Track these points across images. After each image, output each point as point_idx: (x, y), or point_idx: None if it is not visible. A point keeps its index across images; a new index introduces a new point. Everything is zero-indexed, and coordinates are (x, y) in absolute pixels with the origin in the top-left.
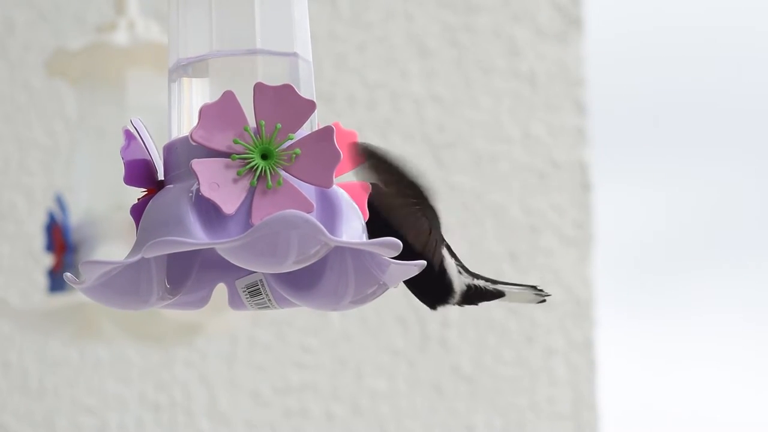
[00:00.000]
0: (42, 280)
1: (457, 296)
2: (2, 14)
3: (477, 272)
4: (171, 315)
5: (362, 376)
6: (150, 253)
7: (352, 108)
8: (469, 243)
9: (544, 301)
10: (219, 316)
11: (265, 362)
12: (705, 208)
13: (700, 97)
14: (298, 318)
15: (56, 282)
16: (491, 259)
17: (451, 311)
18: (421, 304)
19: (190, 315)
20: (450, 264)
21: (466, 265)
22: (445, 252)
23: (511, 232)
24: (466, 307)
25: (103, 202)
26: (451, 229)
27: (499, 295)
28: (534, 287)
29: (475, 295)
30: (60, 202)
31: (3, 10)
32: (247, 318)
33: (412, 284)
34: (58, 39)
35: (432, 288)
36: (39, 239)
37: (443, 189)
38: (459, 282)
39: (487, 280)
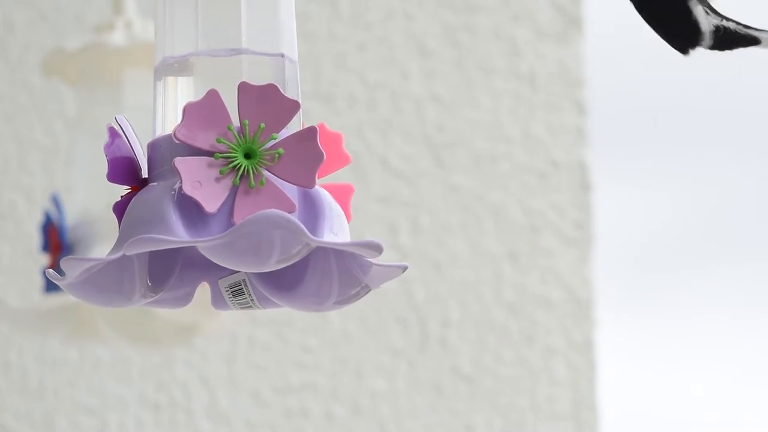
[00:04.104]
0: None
1: (706, 38)
2: (2, 14)
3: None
4: (167, 315)
5: (362, 376)
6: (131, 251)
7: (352, 108)
8: (469, 243)
9: None
10: (216, 316)
11: (265, 362)
12: (705, 208)
13: (700, 97)
14: (298, 318)
15: (52, 282)
16: (491, 259)
17: (451, 311)
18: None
19: (187, 315)
20: (695, 3)
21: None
22: None
23: (511, 232)
24: (719, 52)
25: (100, 202)
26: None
27: (753, 41)
28: None
29: (725, 38)
30: (56, 202)
31: (3, 10)
32: (246, 318)
33: (659, 25)
34: (58, 39)
35: (678, 29)
36: (38, 239)
37: (443, 189)
38: (706, 22)
39: (738, 23)
